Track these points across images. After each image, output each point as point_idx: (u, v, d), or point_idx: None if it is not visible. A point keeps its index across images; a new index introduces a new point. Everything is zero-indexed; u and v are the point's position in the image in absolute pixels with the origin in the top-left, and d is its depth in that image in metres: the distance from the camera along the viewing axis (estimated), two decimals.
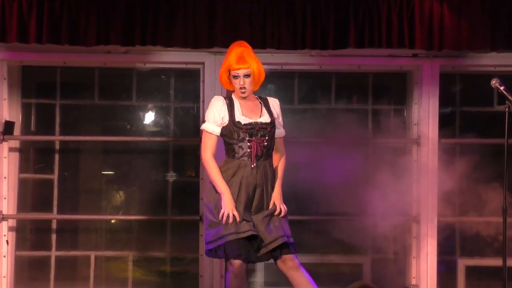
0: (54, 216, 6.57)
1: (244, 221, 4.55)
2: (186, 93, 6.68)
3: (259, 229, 4.57)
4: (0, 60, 6.30)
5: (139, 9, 6.02)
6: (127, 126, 6.70)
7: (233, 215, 4.53)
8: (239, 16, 6.08)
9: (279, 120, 4.76)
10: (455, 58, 6.42)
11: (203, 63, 6.41)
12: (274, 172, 4.71)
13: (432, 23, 6.11)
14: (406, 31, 6.11)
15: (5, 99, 6.38)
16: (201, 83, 6.44)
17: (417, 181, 6.47)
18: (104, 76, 6.61)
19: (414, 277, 6.50)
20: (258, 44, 6.09)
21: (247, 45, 4.74)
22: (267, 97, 4.79)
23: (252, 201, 4.62)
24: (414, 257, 6.50)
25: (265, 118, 4.66)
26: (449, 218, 6.52)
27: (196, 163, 6.49)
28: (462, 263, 6.62)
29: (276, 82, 6.66)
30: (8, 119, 6.41)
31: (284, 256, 4.62)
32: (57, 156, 6.60)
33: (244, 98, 4.67)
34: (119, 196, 6.75)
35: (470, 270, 6.63)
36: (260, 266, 6.57)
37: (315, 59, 6.39)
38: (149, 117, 6.73)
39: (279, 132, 4.77)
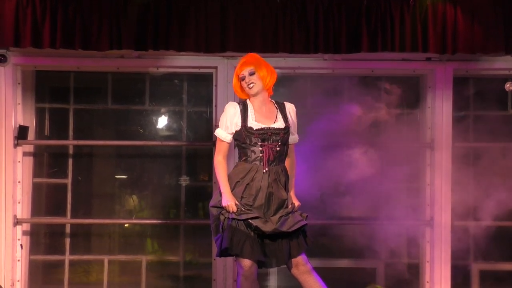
0: (67, 220, 6.59)
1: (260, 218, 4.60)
2: (199, 97, 6.69)
3: (275, 226, 4.58)
4: (14, 65, 6.32)
5: (151, 14, 6.03)
6: (140, 131, 6.71)
7: (235, 205, 4.58)
8: (252, 20, 6.09)
9: (294, 126, 4.78)
10: (468, 62, 6.40)
11: (215, 68, 6.41)
12: (287, 176, 4.74)
13: (445, 27, 6.09)
14: (419, 35, 6.09)
15: (19, 104, 6.41)
16: (214, 87, 6.45)
17: (430, 185, 6.45)
18: (117, 81, 6.63)
19: (427, 282, 6.47)
20: (270, 48, 6.10)
21: (256, 54, 4.85)
22: (284, 102, 4.82)
23: (269, 206, 4.62)
24: (427, 261, 6.47)
25: (279, 124, 4.69)
26: (463, 222, 6.49)
27: (209, 167, 6.49)
28: (476, 268, 6.59)
29: (289, 85, 6.67)
30: (22, 123, 6.44)
31: (297, 261, 4.63)
32: (70, 161, 6.62)
33: (255, 96, 4.70)
34: (132, 200, 6.77)
35: (484, 275, 6.59)
36: (273, 270, 6.57)
37: (328, 63, 6.39)
38: (162, 122, 6.74)
39: (293, 138, 4.80)
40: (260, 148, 4.63)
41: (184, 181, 6.65)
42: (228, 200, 4.61)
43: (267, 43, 6.10)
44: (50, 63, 6.38)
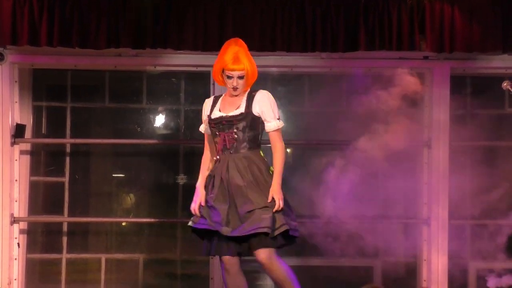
0: (65, 218, 6.58)
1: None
2: (196, 95, 6.68)
3: (235, 223, 4.49)
4: (11, 63, 6.31)
5: (149, 12, 6.04)
6: (137, 129, 6.71)
7: (198, 208, 4.60)
8: (249, 19, 6.09)
9: (269, 113, 4.60)
10: (466, 61, 6.41)
11: (213, 66, 6.40)
12: (256, 166, 4.56)
13: (443, 26, 6.11)
14: (416, 34, 6.10)
15: (16, 102, 6.40)
16: (211, 86, 6.44)
17: (428, 184, 6.46)
18: (114, 79, 6.63)
19: (425, 280, 6.48)
20: (268, 46, 6.11)
21: (243, 43, 4.72)
22: (259, 90, 4.68)
23: (229, 195, 4.53)
24: (425, 260, 6.48)
25: (237, 111, 4.60)
26: (460, 220, 6.49)
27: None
28: (473, 266, 6.59)
29: (286, 84, 6.68)
30: (19, 122, 6.43)
31: (259, 255, 4.52)
32: (68, 159, 6.61)
33: (236, 96, 4.65)
34: (130, 199, 6.76)
35: (481, 273, 6.60)
36: None
37: (325, 62, 6.39)
38: (160, 120, 6.74)
39: (271, 125, 4.62)
40: (219, 138, 4.60)
41: (182, 179, 6.65)
42: (192, 203, 4.64)
43: (265, 42, 6.10)
44: (48, 61, 6.36)
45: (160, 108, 6.73)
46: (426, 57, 6.40)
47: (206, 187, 4.68)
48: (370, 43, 6.10)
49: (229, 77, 4.61)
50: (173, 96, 6.71)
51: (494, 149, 6.49)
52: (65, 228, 6.61)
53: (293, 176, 6.49)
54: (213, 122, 4.62)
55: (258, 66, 6.29)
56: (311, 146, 6.59)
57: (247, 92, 4.67)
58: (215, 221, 4.52)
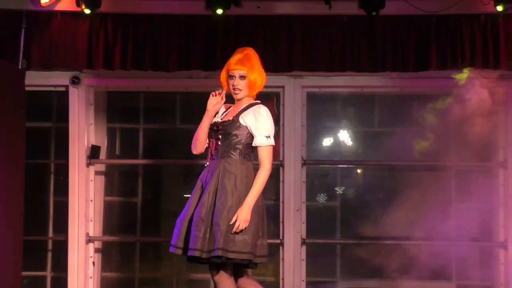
0: (137, 238, 6.69)
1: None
2: None
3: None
4: (87, 86, 6.48)
5: (219, 34, 6.11)
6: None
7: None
8: (319, 39, 6.09)
9: (255, 128, 4.41)
10: None
11: (283, 87, 6.41)
12: (230, 174, 4.38)
13: None
14: (490, 52, 5.96)
15: (91, 124, 6.56)
16: (281, 107, 6.44)
17: (504, 206, 6.26)
18: (185, 101, 6.71)
19: None
20: (337, 67, 6.09)
21: (253, 50, 4.58)
22: (258, 104, 4.48)
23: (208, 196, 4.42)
24: (502, 285, 6.27)
25: (226, 118, 4.48)
26: None
27: (275, 186, 6.47)
28: None
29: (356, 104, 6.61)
30: (94, 143, 6.59)
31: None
32: (140, 179, 6.73)
33: (238, 99, 4.52)
34: None
35: None
36: None
37: (395, 82, 6.30)
38: None
39: (256, 141, 4.41)
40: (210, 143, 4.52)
41: None
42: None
43: (334, 62, 6.09)
44: (121, 84, 6.51)
45: None
46: (501, 76, 6.23)
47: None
48: (441, 62, 5.99)
49: (231, 77, 4.49)
50: None
51: None
52: (138, 247, 6.70)
53: (363, 196, 6.43)
54: (209, 128, 4.53)
55: (327, 87, 6.36)
56: (382, 167, 6.50)
57: (249, 103, 4.51)
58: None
